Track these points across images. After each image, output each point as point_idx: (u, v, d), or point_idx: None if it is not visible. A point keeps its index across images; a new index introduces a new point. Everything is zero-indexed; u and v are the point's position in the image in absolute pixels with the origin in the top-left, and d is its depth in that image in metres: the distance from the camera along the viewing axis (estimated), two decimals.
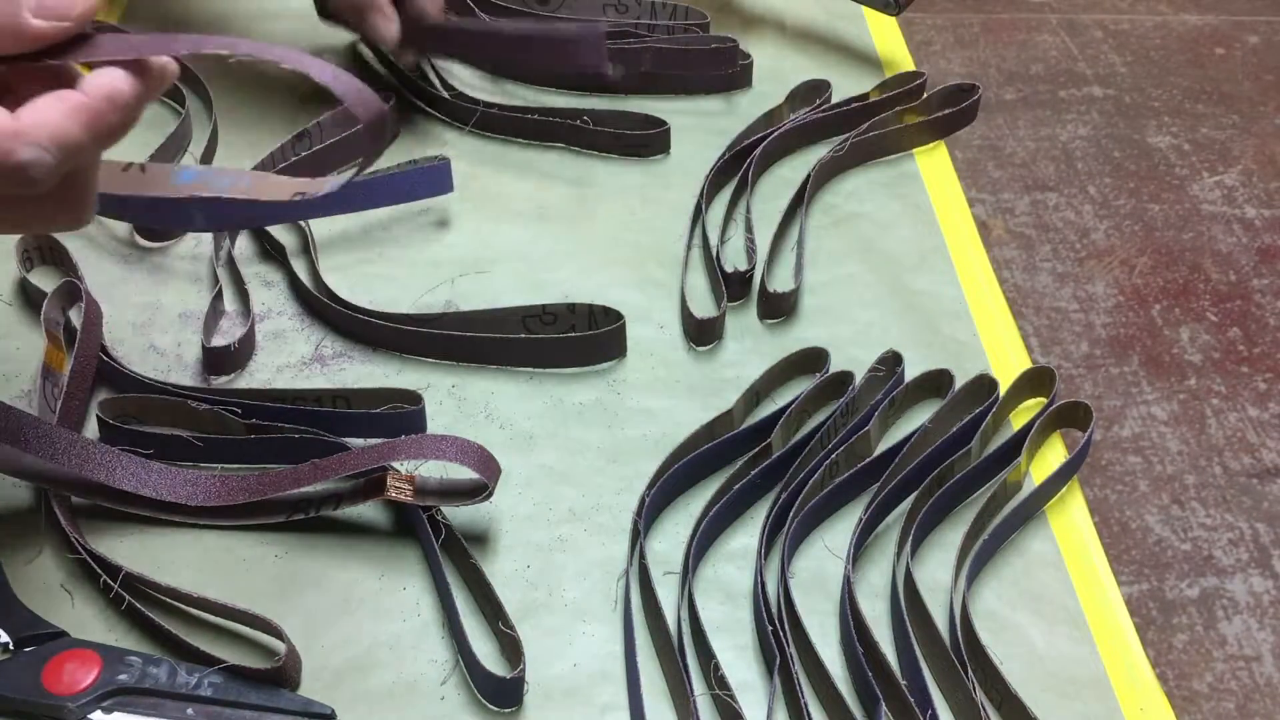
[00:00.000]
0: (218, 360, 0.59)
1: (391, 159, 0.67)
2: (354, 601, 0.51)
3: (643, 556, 0.51)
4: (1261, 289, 1.70)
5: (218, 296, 0.61)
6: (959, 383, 0.58)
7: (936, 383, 0.59)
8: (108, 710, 0.45)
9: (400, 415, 0.55)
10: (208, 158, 0.70)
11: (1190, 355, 1.60)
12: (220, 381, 0.59)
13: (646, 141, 0.73)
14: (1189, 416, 1.52)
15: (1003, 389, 0.57)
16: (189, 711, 0.46)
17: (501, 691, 0.47)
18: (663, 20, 0.79)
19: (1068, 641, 0.50)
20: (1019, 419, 0.58)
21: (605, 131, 0.73)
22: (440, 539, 0.51)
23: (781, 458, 0.54)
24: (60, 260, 0.63)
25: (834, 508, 0.54)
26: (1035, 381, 0.58)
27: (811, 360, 0.59)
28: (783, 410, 0.56)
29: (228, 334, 0.61)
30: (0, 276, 0.63)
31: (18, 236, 0.62)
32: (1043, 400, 0.59)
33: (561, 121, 0.73)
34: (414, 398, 0.55)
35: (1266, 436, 1.50)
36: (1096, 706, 0.48)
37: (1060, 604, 0.51)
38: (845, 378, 0.58)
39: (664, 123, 0.73)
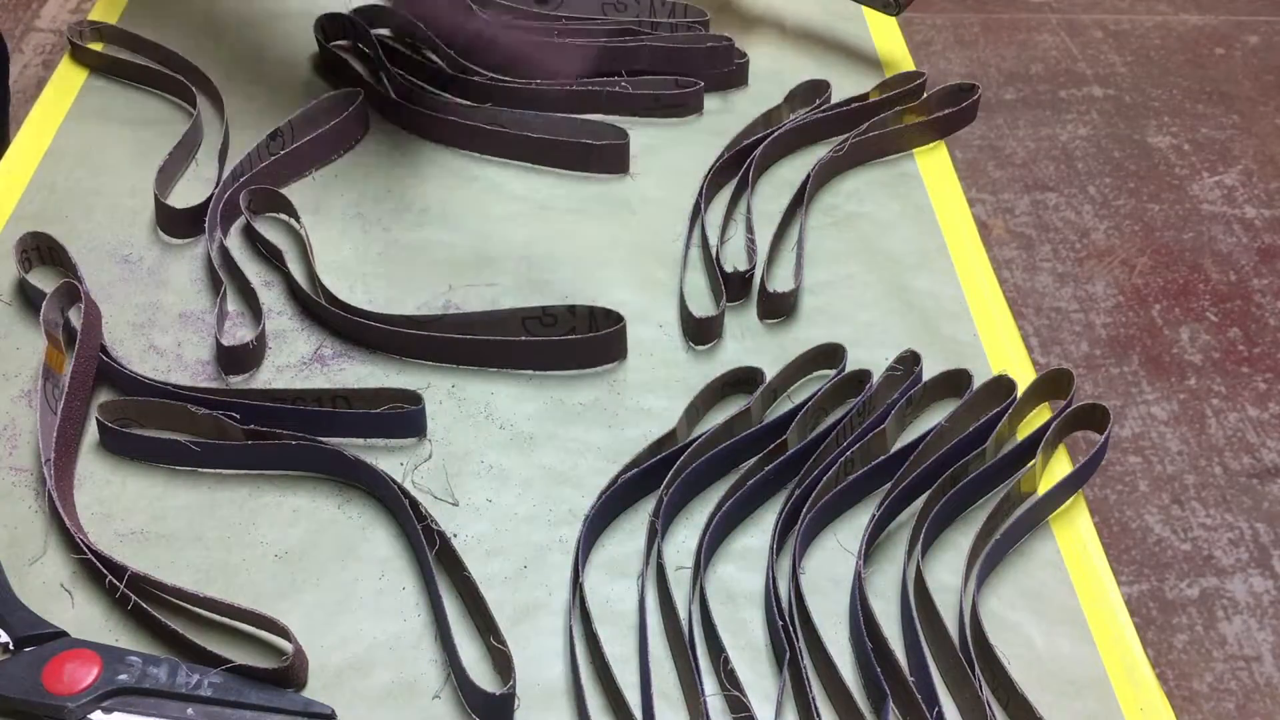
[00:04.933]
0: (236, 358, 0.58)
1: (394, 166, 0.67)
2: (354, 601, 0.50)
3: (660, 557, 0.51)
4: (1261, 289, 1.70)
5: (223, 296, 0.61)
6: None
7: (955, 382, 0.59)
8: (108, 710, 0.45)
9: (400, 415, 0.55)
10: (221, 157, 0.70)
11: (1190, 355, 1.60)
12: (237, 380, 0.59)
13: (683, 100, 0.75)
14: (1189, 416, 1.52)
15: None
16: (189, 711, 0.46)
17: (491, 707, 0.46)
18: (662, 19, 0.79)
19: (1068, 641, 0.50)
20: (1032, 422, 0.58)
21: (644, 93, 0.74)
22: (435, 550, 0.50)
23: (797, 454, 0.54)
24: (59, 260, 0.63)
25: (847, 504, 0.54)
26: (1054, 383, 0.58)
27: (828, 356, 0.59)
28: (799, 407, 0.56)
29: (230, 334, 0.61)
30: (2, 276, 0.63)
31: (17, 235, 0.62)
32: (1051, 405, 0.59)
33: (600, 89, 0.73)
34: (414, 398, 0.55)
35: (1266, 436, 1.50)
36: (1096, 706, 0.48)
37: (1060, 604, 0.51)
38: (863, 376, 0.58)
39: (696, 82, 0.75)
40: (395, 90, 0.74)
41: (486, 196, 0.70)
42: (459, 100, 0.74)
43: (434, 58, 0.78)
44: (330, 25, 0.79)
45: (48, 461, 0.52)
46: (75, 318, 0.58)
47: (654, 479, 0.54)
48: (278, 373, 0.59)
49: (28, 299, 0.62)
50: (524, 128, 0.71)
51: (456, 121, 0.72)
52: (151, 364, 0.60)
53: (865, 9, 0.84)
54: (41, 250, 0.63)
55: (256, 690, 0.46)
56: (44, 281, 0.60)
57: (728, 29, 0.81)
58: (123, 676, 0.46)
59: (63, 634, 0.47)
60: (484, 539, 0.53)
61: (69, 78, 0.77)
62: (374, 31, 0.77)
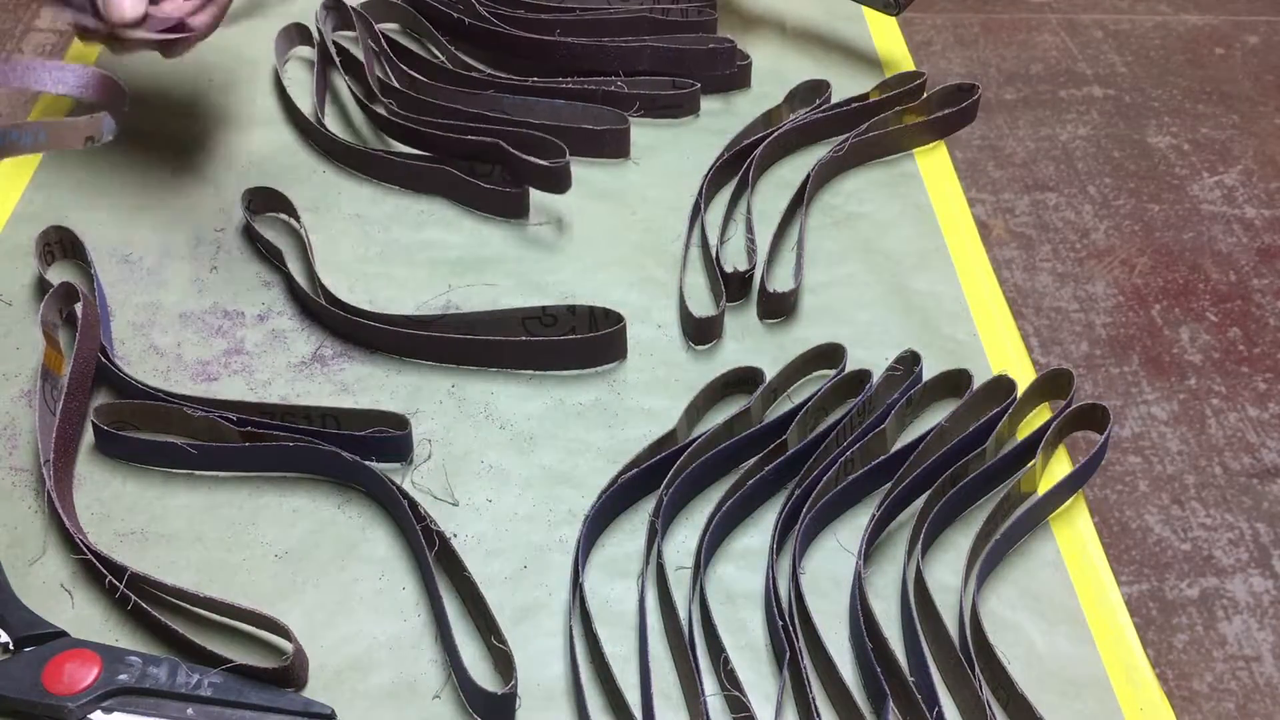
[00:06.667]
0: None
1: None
2: (354, 601, 0.50)
3: (659, 557, 0.51)
4: (1261, 289, 1.69)
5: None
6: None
7: (955, 382, 0.58)
8: (108, 710, 0.45)
9: (384, 440, 0.54)
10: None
11: (1190, 355, 1.60)
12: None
13: (679, 101, 0.74)
14: (1189, 416, 1.52)
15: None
16: (189, 711, 0.46)
17: (493, 707, 0.46)
18: (670, 4, 0.79)
19: (1068, 641, 0.50)
20: (1032, 422, 0.58)
21: (641, 93, 0.74)
22: (434, 550, 0.50)
23: (797, 454, 0.54)
24: (80, 255, 0.63)
25: (847, 504, 0.54)
26: (1054, 383, 0.58)
27: (828, 356, 0.59)
28: (799, 407, 0.56)
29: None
30: (2, 276, 0.63)
31: (38, 232, 0.62)
32: (1051, 404, 0.59)
33: (597, 89, 0.74)
34: (401, 422, 0.55)
35: (1266, 436, 1.50)
36: (1096, 706, 0.48)
37: (1060, 604, 0.51)
38: (863, 375, 0.57)
39: (693, 83, 0.75)
40: (398, 80, 0.74)
41: None
42: (461, 89, 0.74)
43: (436, 53, 0.78)
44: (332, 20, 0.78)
45: (46, 462, 0.52)
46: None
47: (654, 479, 0.54)
48: (278, 373, 0.59)
49: (42, 294, 0.62)
50: (525, 114, 0.71)
51: (459, 109, 0.71)
52: (152, 364, 0.60)
53: (865, 9, 0.84)
54: (65, 244, 0.63)
55: (256, 690, 0.46)
56: (62, 278, 0.60)
57: (728, 29, 0.81)
58: (123, 676, 0.46)
59: (63, 634, 0.47)
60: (484, 539, 0.53)
61: None
62: (378, 25, 0.77)
